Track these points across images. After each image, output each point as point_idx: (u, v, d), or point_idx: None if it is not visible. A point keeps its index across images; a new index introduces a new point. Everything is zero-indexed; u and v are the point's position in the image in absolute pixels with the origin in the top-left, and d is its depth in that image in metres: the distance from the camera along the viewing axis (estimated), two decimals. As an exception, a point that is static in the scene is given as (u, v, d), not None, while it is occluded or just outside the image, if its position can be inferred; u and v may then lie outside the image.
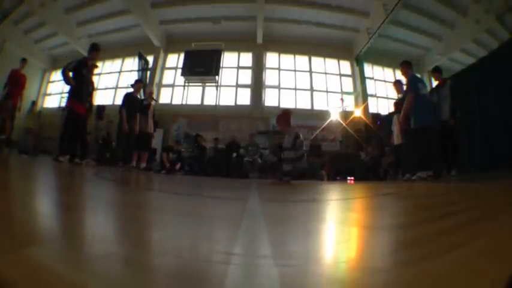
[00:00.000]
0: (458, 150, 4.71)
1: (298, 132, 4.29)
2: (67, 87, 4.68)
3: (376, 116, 9.67)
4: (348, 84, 11.24)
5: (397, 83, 5.30)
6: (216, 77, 10.58)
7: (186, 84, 11.01)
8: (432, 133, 4.14)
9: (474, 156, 5.28)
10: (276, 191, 2.64)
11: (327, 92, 11.04)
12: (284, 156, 4.13)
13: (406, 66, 4.48)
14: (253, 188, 2.72)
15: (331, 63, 11.40)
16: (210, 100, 10.90)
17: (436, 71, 5.15)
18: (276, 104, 10.62)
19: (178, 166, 7.44)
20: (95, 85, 5.07)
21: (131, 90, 5.81)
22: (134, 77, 10.06)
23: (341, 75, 11.32)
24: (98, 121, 8.76)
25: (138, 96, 5.86)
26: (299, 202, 1.74)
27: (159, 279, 0.35)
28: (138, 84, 5.83)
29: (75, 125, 4.32)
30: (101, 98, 10.73)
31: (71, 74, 4.30)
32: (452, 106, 4.59)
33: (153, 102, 5.83)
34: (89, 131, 5.45)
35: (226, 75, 11.02)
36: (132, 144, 5.38)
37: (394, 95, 10.50)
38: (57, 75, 12.76)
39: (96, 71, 5.03)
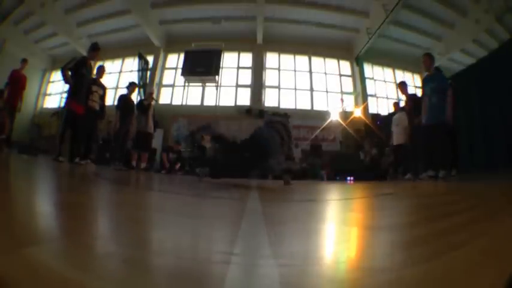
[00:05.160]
0: (459, 150, 4.69)
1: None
2: (67, 87, 4.69)
3: (376, 116, 9.67)
4: (348, 84, 11.24)
5: (402, 85, 5.51)
6: (216, 77, 10.57)
7: (186, 84, 11.00)
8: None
9: (474, 156, 5.27)
10: (276, 191, 2.64)
11: (326, 92, 11.03)
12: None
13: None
14: (253, 187, 2.72)
15: (331, 63, 11.39)
16: (210, 100, 10.89)
17: None
18: (276, 104, 10.61)
19: (178, 166, 7.44)
20: (106, 87, 5.16)
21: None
22: (134, 77, 10.09)
23: (341, 75, 11.31)
24: (98, 121, 8.77)
25: (133, 98, 6.02)
26: (299, 202, 1.74)
27: (159, 279, 0.35)
28: (132, 86, 5.99)
29: (74, 125, 4.33)
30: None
31: (69, 73, 4.31)
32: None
33: (153, 102, 5.86)
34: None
35: (226, 75, 11.01)
36: (122, 144, 5.48)
37: (394, 95, 10.60)
38: (57, 75, 12.76)
39: (105, 73, 5.13)
